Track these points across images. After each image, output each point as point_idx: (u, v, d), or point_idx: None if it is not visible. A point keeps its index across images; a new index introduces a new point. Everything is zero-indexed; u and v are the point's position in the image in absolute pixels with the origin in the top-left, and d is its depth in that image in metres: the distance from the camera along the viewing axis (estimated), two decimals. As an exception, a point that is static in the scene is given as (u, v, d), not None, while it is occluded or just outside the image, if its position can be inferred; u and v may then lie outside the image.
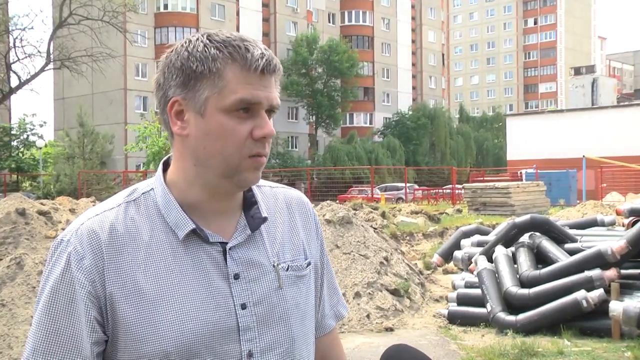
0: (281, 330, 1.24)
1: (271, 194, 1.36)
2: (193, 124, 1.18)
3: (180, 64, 1.17)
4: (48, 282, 1.16)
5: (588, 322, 6.52)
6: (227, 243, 1.22)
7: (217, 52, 1.16)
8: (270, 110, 1.20)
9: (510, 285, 6.96)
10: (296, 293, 1.28)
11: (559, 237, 7.72)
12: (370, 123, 64.90)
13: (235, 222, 1.26)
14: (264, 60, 1.17)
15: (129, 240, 1.18)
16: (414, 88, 74.90)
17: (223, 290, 1.19)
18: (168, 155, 1.29)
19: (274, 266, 1.26)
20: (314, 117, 59.01)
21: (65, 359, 1.13)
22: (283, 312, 1.25)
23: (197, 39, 1.19)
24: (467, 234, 10.27)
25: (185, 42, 1.19)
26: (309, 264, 1.34)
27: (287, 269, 1.28)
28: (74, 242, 1.16)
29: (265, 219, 1.28)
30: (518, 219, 8.16)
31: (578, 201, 24.16)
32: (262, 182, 1.35)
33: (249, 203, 1.29)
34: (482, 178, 34.97)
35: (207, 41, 1.17)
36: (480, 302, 7.21)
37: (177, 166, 1.24)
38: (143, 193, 1.24)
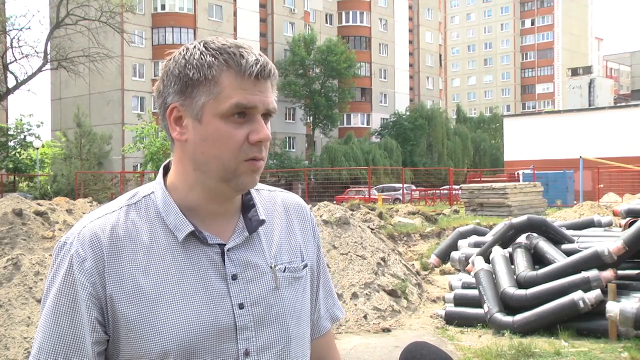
0: (277, 330, 1.26)
1: (269, 198, 1.39)
2: (191, 130, 1.22)
3: (178, 71, 1.21)
4: (53, 284, 1.20)
5: (585, 322, 6.53)
6: (225, 245, 1.25)
7: (213, 59, 1.19)
8: (267, 115, 1.23)
9: (507, 286, 6.96)
10: (292, 294, 1.31)
11: (556, 238, 7.73)
12: (368, 124, 64.88)
13: (234, 224, 1.29)
14: (258, 66, 1.19)
15: (130, 243, 1.21)
16: (411, 89, 74.91)
17: (221, 290, 1.22)
18: (169, 160, 1.33)
19: (271, 267, 1.28)
20: (311, 117, 58.98)
21: (69, 358, 1.17)
22: (279, 312, 1.27)
23: (194, 47, 1.22)
24: (464, 235, 10.27)
25: (183, 50, 1.23)
26: (305, 265, 1.36)
27: (284, 270, 1.30)
28: (76, 244, 1.20)
29: (262, 222, 1.30)
30: (515, 220, 8.16)
31: (575, 202, 24.21)
32: (260, 185, 1.38)
33: (248, 206, 1.32)
34: (479, 179, 35.02)
35: (204, 49, 1.21)
36: (477, 302, 7.22)
37: (176, 170, 1.27)
38: (144, 196, 1.28)
